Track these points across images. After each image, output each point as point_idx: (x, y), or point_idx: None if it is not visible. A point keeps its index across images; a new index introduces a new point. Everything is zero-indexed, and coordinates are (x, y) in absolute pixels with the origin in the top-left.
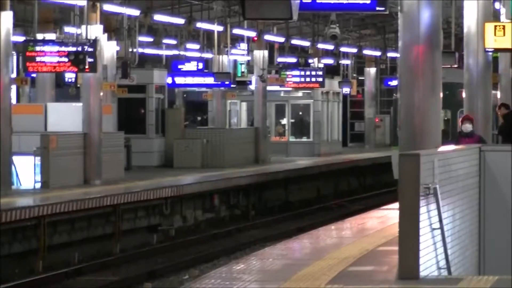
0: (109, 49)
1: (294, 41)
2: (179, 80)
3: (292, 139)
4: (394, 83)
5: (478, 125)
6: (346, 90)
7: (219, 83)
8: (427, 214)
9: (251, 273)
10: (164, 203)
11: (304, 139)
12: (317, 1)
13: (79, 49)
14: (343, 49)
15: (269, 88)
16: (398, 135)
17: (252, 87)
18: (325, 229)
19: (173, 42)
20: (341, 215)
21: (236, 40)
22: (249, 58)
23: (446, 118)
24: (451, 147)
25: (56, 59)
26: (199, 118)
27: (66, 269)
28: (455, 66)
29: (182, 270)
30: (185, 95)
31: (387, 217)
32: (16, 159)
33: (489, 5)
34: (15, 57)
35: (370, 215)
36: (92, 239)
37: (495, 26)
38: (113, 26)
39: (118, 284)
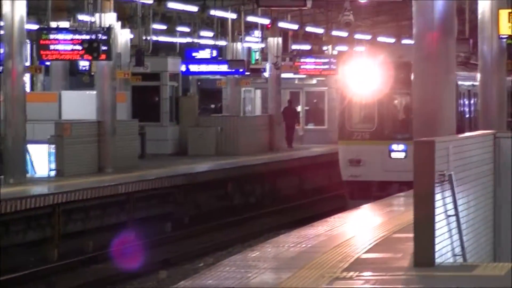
0: (123, 37)
1: (308, 29)
2: (193, 67)
3: (307, 126)
4: None
5: (493, 112)
6: None
7: (233, 70)
8: (442, 201)
9: (266, 261)
10: (178, 191)
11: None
12: None
13: (93, 37)
14: (357, 36)
15: (283, 75)
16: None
17: (266, 74)
18: (340, 216)
19: (187, 29)
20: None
21: (250, 27)
22: (263, 45)
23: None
24: (465, 135)
25: (70, 47)
26: (212, 106)
27: (81, 257)
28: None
29: (196, 258)
30: (199, 83)
31: (404, 203)
32: (30, 147)
33: None
34: (28, 46)
35: (386, 202)
36: (106, 227)
37: (509, 13)
38: (126, 14)
39: (134, 272)
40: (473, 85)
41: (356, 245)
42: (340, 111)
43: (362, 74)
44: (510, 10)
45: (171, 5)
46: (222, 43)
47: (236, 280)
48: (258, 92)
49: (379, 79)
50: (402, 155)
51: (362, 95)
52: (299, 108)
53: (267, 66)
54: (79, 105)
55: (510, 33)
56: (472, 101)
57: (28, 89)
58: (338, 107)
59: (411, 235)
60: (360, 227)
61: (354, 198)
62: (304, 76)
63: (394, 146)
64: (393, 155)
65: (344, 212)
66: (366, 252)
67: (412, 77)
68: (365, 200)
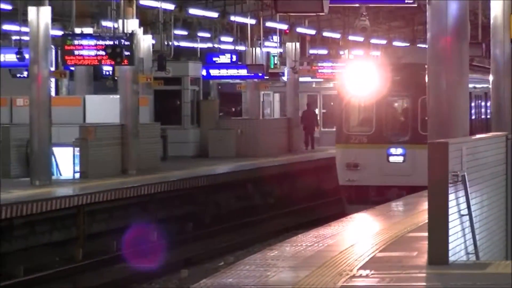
0: (145, 43)
1: (325, 33)
2: (213, 72)
3: (323, 129)
4: None
5: (505, 114)
6: None
7: (253, 74)
8: (455, 201)
9: (284, 260)
10: (199, 192)
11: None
12: None
13: (116, 42)
14: (373, 40)
15: (301, 79)
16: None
17: (285, 78)
18: (355, 217)
19: (207, 35)
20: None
21: (269, 32)
22: (281, 50)
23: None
24: (478, 136)
25: (93, 52)
26: (233, 109)
27: (105, 257)
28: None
29: (217, 257)
30: (219, 87)
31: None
32: (56, 150)
33: None
34: (53, 51)
35: (396, 203)
36: (130, 228)
37: None
38: (149, 20)
39: (156, 271)
40: (474, 87)
41: (371, 244)
42: (337, 114)
43: (359, 76)
44: None
45: (192, 11)
46: (241, 48)
47: (255, 278)
48: (277, 95)
49: (377, 81)
50: (400, 159)
51: (360, 98)
52: (316, 111)
53: (286, 70)
54: (102, 108)
55: None
56: (473, 103)
57: (53, 93)
58: (336, 110)
59: (425, 234)
60: (375, 227)
61: (351, 203)
62: (322, 80)
63: (393, 150)
64: (392, 159)
65: (359, 213)
66: (381, 251)
67: (414, 78)
68: (363, 205)
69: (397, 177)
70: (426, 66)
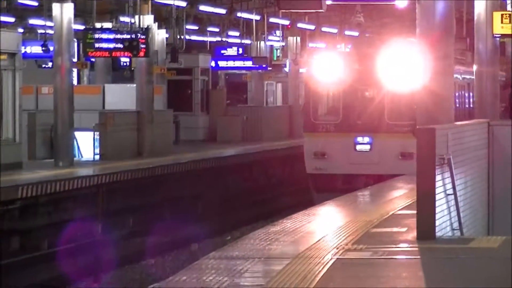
0: (159, 36)
1: (324, 29)
2: (221, 63)
3: None
4: None
5: (487, 103)
6: None
7: (257, 66)
8: (442, 182)
9: (286, 235)
10: (208, 173)
11: None
12: None
13: (133, 36)
14: (367, 35)
15: (301, 70)
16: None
17: (286, 69)
18: (352, 195)
19: (216, 30)
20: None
21: (272, 28)
22: (283, 43)
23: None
24: (462, 123)
25: (112, 45)
26: (239, 98)
27: (121, 232)
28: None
29: (225, 232)
30: (227, 77)
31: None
32: (77, 134)
33: None
34: (76, 44)
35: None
36: (145, 206)
37: (502, 15)
38: (163, 16)
39: (169, 245)
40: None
41: (366, 220)
42: (304, 103)
43: (327, 66)
44: (502, 12)
45: (202, 8)
46: (247, 41)
47: (259, 251)
48: (279, 85)
49: (344, 71)
50: (367, 147)
51: (327, 87)
52: None
53: (287, 62)
54: (120, 97)
55: (502, 33)
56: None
57: (75, 82)
58: (303, 99)
59: (415, 211)
60: (370, 204)
61: (319, 191)
62: None
63: (359, 139)
64: (358, 147)
65: (355, 192)
66: (374, 226)
67: (381, 68)
68: (330, 194)
69: (364, 166)
70: (392, 56)
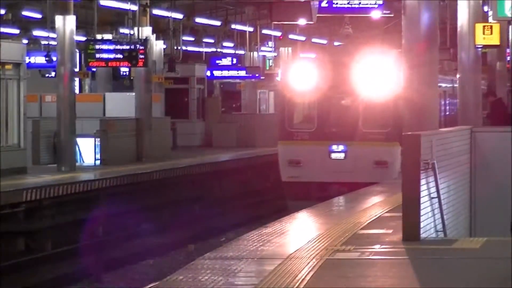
0: (157, 47)
1: (314, 40)
2: (216, 73)
3: None
4: None
5: (469, 110)
6: None
7: (251, 75)
8: (426, 185)
9: (278, 236)
10: (204, 177)
11: None
12: (333, 5)
13: (132, 47)
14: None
15: (277, 78)
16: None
17: (278, 78)
18: (342, 198)
19: (211, 41)
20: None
21: (265, 39)
22: (275, 54)
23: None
24: (446, 129)
25: (112, 55)
26: (233, 105)
27: (122, 233)
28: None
29: (220, 233)
30: (222, 86)
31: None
32: (79, 140)
33: (478, 8)
34: (78, 54)
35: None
36: (145, 208)
37: (484, 26)
38: (161, 28)
39: (167, 246)
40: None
41: (354, 222)
42: (279, 112)
43: (301, 74)
44: (484, 24)
45: (198, 20)
46: (241, 52)
47: (252, 252)
48: (272, 93)
49: (319, 79)
50: (342, 155)
51: (301, 95)
52: None
53: (279, 71)
54: (120, 104)
55: (484, 43)
56: (447, 100)
57: (77, 91)
58: (278, 107)
59: (400, 214)
60: (357, 207)
61: (294, 199)
62: None
63: (334, 147)
64: (333, 155)
65: (346, 195)
66: (362, 228)
67: (356, 76)
68: (305, 202)
69: (339, 174)
70: (367, 65)
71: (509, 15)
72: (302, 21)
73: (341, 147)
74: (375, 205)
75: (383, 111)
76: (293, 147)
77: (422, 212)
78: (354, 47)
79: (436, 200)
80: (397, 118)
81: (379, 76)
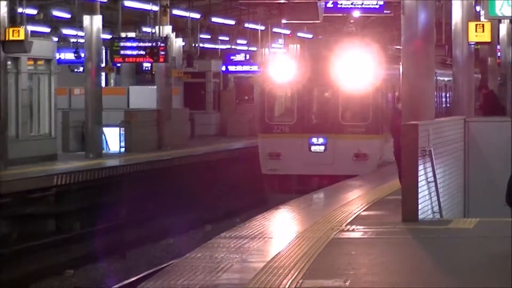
0: (177, 44)
1: (321, 37)
2: (231, 68)
3: None
4: None
5: (463, 101)
6: None
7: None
8: (424, 171)
9: (289, 216)
10: (219, 163)
11: None
12: (338, 6)
13: (154, 44)
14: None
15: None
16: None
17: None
18: (346, 182)
19: (226, 38)
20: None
21: (275, 36)
22: (285, 50)
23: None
24: (442, 119)
25: (135, 52)
26: (246, 97)
27: (143, 215)
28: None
29: (234, 215)
30: (235, 80)
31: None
32: (105, 129)
33: (471, 8)
34: (104, 51)
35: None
36: (165, 191)
37: (476, 25)
38: (180, 26)
39: (186, 226)
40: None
41: (357, 204)
42: (259, 105)
43: (281, 68)
44: (476, 23)
45: (214, 19)
46: (253, 48)
47: (265, 231)
48: None
49: (299, 72)
50: (321, 148)
51: (281, 88)
52: None
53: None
54: (143, 97)
55: (476, 40)
56: (449, 93)
57: (103, 84)
58: (258, 101)
59: (400, 197)
60: (362, 190)
61: (274, 192)
62: None
63: (314, 140)
64: (313, 148)
65: (350, 180)
66: (365, 210)
67: (335, 69)
68: (285, 194)
69: (318, 167)
70: (347, 58)
71: (499, 15)
72: (309, 20)
73: (320, 140)
74: (373, 191)
75: (363, 104)
76: (273, 140)
77: (420, 195)
78: (334, 41)
79: (433, 184)
80: (376, 111)
81: (359, 70)
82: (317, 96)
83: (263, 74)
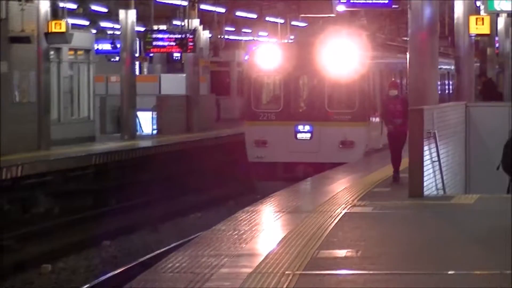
0: (204, 36)
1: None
2: None
3: None
4: None
5: (465, 88)
6: None
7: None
8: (428, 151)
9: (304, 195)
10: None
11: None
12: (351, 1)
13: (183, 36)
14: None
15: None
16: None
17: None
18: (359, 161)
19: (249, 30)
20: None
21: (293, 29)
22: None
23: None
24: (445, 104)
25: (166, 43)
26: None
27: (173, 192)
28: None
29: (254, 192)
30: None
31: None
32: (139, 113)
33: (471, 3)
34: (137, 42)
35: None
36: (193, 169)
37: (476, 18)
38: (207, 20)
39: (212, 201)
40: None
41: (369, 181)
42: (245, 93)
43: (267, 55)
44: (477, 16)
45: (238, 13)
46: (273, 40)
47: (283, 207)
48: None
49: (285, 60)
50: (308, 136)
51: (267, 76)
52: None
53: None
54: (173, 84)
55: (477, 33)
56: (448, 81)
57: (137, 72)
58: (244, 88)
59: (407, 175)
60: (370, 170)
61: (260, 179)
62: None
63: (300, 127)
64: (299, 136)
65: (363, 158)
66: (375, 186)
67: (322, 57)
68: (272, 181)
69: (304, 154)
70: (333, 46)
71: (498, 9)
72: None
73: (307, 128)
74: (379, 171)
75: (349, 92)
76: (259, 128)
77: (425, 173)
78: (320, 29)
79: (437, 163)
80: (362, 99)
81: (345, 57)
82: (303, 83)
83: (250, 61)
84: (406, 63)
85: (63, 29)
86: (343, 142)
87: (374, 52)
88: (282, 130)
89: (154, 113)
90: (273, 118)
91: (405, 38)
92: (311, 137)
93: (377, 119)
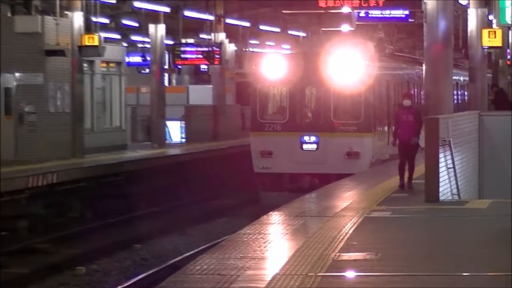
0: (229, 49)
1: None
2: None
3: None
4: None
5: (478, 98)
6: None
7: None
8: (444, 158)
9: (324, 198)
10: None
11: None
12: (369, 16)
13: (210, 49)
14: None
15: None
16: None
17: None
18: (378, 168)
19: (273, 43)
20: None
21: None
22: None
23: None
24: (459, 113)
25: (194, 56)
26: None
27: (203, 196)
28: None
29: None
30: None
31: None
32: (168, 123)
33: (484, 17)
34: (167, 55)
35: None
36: (220, 175)
37: (489, 31)
38: (232, 33)
39: (239, 206)
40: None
41: (387, 187)
42: (251, 103)
43: (272, 64)
44: (489, 30)
45: (262, 27)
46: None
47: (306, 211)
48: None
49: (291, 71)
50: (313, 146)
51: (273, 86)
52: None
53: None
54: (200, 94)
55: (489, 45)
56: (457, 91)
57: (166, 83)
58: (250, 99)
59: (423, 181)
60: (388, 176)
61: (266, 190)
62: None
63: (306, 138)
64: (305, 146)
65: (381, 165)
66: (393, 192)
67: (327, 68)
68: (277, 192)
69: (310, 165)
70: (339, 57)
71: (509, 23)
72: (344, 28)
73: (312, 138)
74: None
75: (355, 103)
76: (265, 138)
77: (440, 179)
78: (326, 39)
79: (452, 169)
80: (368, 109)
81: (351, 68)
82: (309, 94)
83: (255, 72)
84: (414, 73)
85: (96, 43)
86: (349, 153)
87: (381, 63)
88: (287, 140)
89: (183, 122)
90: (279, 128)
91: (409, 50)
92: (317, 148)
93: (385, 128)
